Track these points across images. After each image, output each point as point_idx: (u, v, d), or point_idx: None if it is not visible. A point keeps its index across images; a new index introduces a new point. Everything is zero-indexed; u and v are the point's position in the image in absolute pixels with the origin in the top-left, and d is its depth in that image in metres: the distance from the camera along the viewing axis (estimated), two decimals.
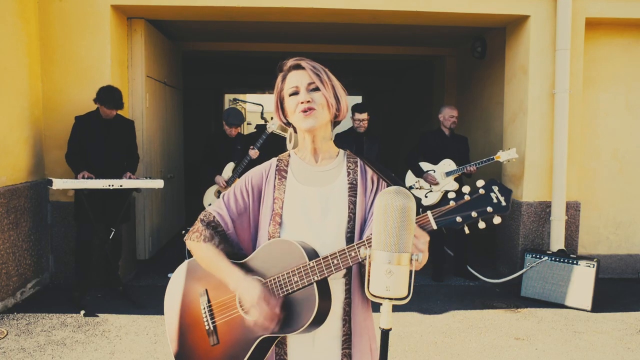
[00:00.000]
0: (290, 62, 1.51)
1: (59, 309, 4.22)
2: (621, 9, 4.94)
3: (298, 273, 1.38)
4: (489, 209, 1.29)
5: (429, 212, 1.32)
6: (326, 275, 1.36)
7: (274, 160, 1.59)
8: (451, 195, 1.33)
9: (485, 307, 4.48)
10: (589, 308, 4.40)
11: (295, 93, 1.48)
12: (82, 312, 4.11)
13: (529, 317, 4.28)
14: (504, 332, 3.96)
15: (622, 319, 4.24)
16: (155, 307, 4.32)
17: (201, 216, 1.57)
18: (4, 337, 3.67)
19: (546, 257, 4.65)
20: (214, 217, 1.55)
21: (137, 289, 4.84)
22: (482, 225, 1.31)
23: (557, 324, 4.13)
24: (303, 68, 1.49)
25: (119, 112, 4.58)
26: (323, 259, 1.36)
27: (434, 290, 4.94)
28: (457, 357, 3.52)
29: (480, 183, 1.31)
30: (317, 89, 1.47)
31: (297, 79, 1.48)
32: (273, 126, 4.82)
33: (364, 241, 1.34)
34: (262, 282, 1.46)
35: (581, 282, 4.46)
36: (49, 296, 4.54)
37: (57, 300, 4.42)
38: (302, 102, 1.46)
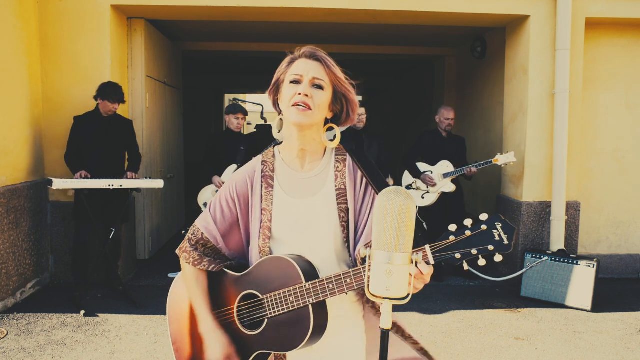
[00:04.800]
0: (306, 49, 1.41)
1: (59, 309, 4.21)
2: (621, 9, 4.94)
3: (294, 293, 1.36)
4: (490, 247, 1.23)
5: (427, 247, 1.25)
6: (321, 298, 1.34)
7: (258, 164, 1.50)
8: (452, 228, 1.26)
9: (485, 307, 4.48)
10: (589, 308, 4.40)
11: (297, 82, 1.38)
12: (82, 312, 4.11)
13: (529, 317, 4.28)
14: (504, 332, 3.96)
15: (622, 319, 4.24)
16: (155, 307, 4.32)
17: (189, 234, 1.53)
18: (4, 337, 3.67)
19: (546, 257, 4.65)
20: (202, 233, 1.50)
21: (137, 289, 4.84)
22: (482, 262, 1.24)
23: (557, 324, 4.13)
24: (317, 60, 1.38)
25: (118, 111, 4.58)
26: (319, 282, 1.33)
27: (434, 290, 4.93)
28: (457, 357, 3.52)
29: (483, 217, 1.24)
30: (321, 87, 1.38)
31: (304, 68, 1.38)
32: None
33: (359, 269, 1.29)
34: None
35: (581, 282, 4.46)
36: (49, 296, 4.54)
37: (57, 300, 4.42)
38: (299, 94, 1.36)
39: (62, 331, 3.81)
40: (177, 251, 1.56)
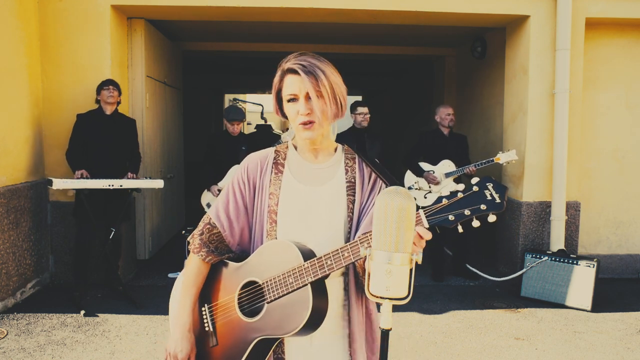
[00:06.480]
0: (289, 65, 1.43)
1: (59, 309, 4.22)
2: (621, 9, 4.94)
3: (293, 274, 1.37)
4: (483, 206, 1.25)
5: (420, 211, 1.29)
6: (320, 276, 1.34)
7: (271, 152, 1.56)
8: (445, 193, 1.29)
9: (485, 307, 4.48)
10: (589, 308, 4.40)
11: (294, 100, 1.44)
12: (82, 312, 4.11)
13: (529, 317, 4.28)
14: (504, 332, 3.96)
15: (622, 319, 4.24)
16: (155, 307, 4.32)
17: (201, 221, 1.57)
18: (4, 337, 3.67)
19: (546, 257, 4.65)
20: (210, 218, 1.54)
21: (137, 289, 4.84)
22: (476, 223, 1.27)
23: (557, 324, 4.13)
24: (303, 74, 1.40)
25: (121, 111, 4.58)
26: (317, 259, 1.34)
27: (434, 290, 4.94)
28: (457, 357, 3.52)
29: (474, 180, 1.29)
30: (317, 95, 1.41)
31: (295, 85, 1.42)
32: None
33: (356, 241, 1.32)
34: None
35: (581, 282, 4.46)
36: (49, 296, 4.54)
37: (57, 300, 4.42)
38: (301, 115, 1.42)
39: (62, 331, 3.81)
40: (189, 237, 1.60)
